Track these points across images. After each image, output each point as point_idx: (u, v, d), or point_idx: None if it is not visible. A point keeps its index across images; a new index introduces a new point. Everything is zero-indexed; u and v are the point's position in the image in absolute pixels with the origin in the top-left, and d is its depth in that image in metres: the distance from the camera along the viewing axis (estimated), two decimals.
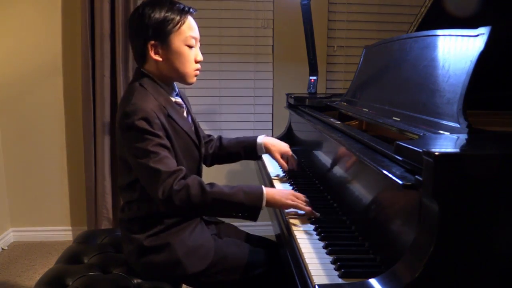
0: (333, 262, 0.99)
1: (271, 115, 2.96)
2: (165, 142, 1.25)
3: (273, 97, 2.93)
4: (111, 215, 2.70)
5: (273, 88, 2.93)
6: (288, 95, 2.36)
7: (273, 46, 2.88)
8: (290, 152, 1.68)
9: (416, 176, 0.81)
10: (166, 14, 1.26)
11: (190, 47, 1.31)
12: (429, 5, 1.66)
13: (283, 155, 1.67)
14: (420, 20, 1.69)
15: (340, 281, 0.92)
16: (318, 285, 0.87)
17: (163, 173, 1.19)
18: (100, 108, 2.60)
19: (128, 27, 1.34)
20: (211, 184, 1.25)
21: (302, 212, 1.28)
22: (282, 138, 2.30)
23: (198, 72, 1.37)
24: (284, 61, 2.89)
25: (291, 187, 1.60)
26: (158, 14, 1.26)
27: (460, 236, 0.77)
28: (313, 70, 2.37)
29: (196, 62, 1.34)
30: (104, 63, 2.56)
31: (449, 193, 0.75)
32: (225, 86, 2.88)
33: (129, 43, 2.52)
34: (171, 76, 1.35)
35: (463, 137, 0.94)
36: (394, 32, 2.65)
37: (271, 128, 2.97)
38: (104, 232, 1.68)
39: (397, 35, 1.55)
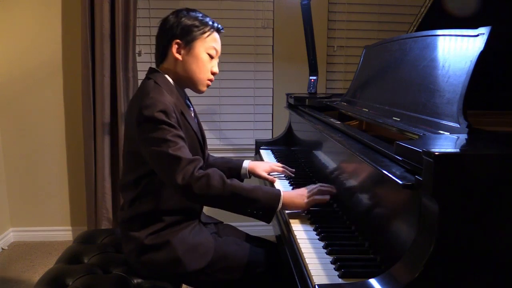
0: (333, 262, 0.99)
1: (271, 115, 2.96)
2: (182, 134, 1.27)
3: (273, 97, 2.93)
4: (111, 215, 2.70)
5: (273, 88, 2.93)
6: (288, 95, 2.37)
7: (273, 46, 2.88)
8: (274, 167, 1.68)
9: (416, 176, 0.81)
10: (197, 22, 1.36)
11: (210, 57, 1.39)
12: (429, 5, 1.66)
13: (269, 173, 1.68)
14: (420, 20, 1.69)
15: (340, 281, 0.92)
16: (318, 285, 0.87)
17: (183, 159, 1.20)
18: (100, 108, 2.60)
19: (159, 27, 1.40)
20: (232, 179, 1.26)
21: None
22: (282, 138, 2.31)
23: (210, 83, 1.43)
24: (284, 61, 2.89)
25: (291, 187, 1.60)
26: (191, 20, 1.36)
27: (460, 236, 0.77)
28: (313, 70, 2.37)
29: (212, 73, 1.41)
30: (104, 63, 2.56)
31: (449, 193, 0.75)
32: (225, 86, 2.88)
33: (129, 43, 2.57)
34: (185, 78, 1.39)
35: (463, 137, 0.94)
36: (394, 32, 2.66)
37: (271, 128, 2.97)
38: (104, 232, 1.68)
39: (397, 35, 1.55)
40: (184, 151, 1.23)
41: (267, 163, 1.72)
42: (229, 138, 2.94)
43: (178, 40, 1.34)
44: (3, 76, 2.73)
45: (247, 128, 2.96)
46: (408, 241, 0.85)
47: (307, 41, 2.31)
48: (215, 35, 1.40)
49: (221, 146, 2.94)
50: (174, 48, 1.35)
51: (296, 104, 2.20)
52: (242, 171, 1.66)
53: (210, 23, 1.38)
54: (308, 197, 1.30)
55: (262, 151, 2.21)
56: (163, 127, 1.23)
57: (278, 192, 1.27)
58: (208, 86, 1.43)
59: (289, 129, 2.31)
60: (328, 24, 2.88)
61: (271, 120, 2.97)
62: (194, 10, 1.39)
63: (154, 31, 2.86)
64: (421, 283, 0.75)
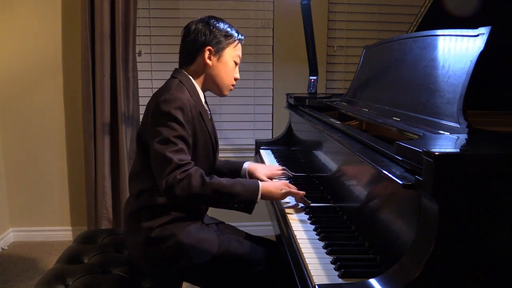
0: (333, 262, 0.99)
1: (271, 115, 2.96)
2: (188, 136, 1.31)
3: (273, 97, 2.93)
4: (111, 215, 2.70)
5: (273, 88, 2.93)
6: (288, 95, 2.37)
7: (273, 46, 2.88)
8: (274, 171, 1.68)
9: (416, 176, 0.81)
10: (228, 30, 1.46)
11: (235, 64, 1.50)
12: (429, 5, 1.66)
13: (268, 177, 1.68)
14: (420, 20, 1.69)
15: (340, 281, 0.92)
16: (318, 285, 0.87)
17: (173, 164, 1.23)
18: (100, 108, 2.60)
19: (187, 31, 1.45)
20: (211, 176, 1.29)
21: (296, 202, 1.40)
22: (282, 138, 2.31)
23: (232, 87, 1.53)
24: (284, 61, 2.89)
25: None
26: (222, 30, 1.45)
27: (460, 236, 0.77)
28: (313, 70, 2.37)
29: (235, 79, 1.52)
30: (104, 63, 2.56)
31: (449, 193, 0.75)
32: None
33: (129, 43, 2.57)
34: (211, 82, 1.48)
35: (463, 137, 0.94)
36: (394, 32, 2.65)
37: (271, 128, 2.97)
38: (104, 232, 1.68)
39: (397, 35, 1.55)
40: (180, 154, 1.26)
41: (268, 167, 1.72)
42: (229, 138, 2.94)
43: (210, 47, 1.42)
44: (3, 76, 2.73)
45: (247, 128, 2.96)
46: (408, 241, 0.85)
47: (307, 41, 2.30)
48: (240, 45, 1.51)
49: (221, 146, 2.91)
50: (206, 54, 1.42)
51: (296, 104, 2.20)
52: (242, 172, 1.68)
53: (236, 34, 1.48)
54: (285, 189, 1.37)
55: (262, 151, 2.21)
56: (173, 125, 1.28)
57: (256, 185, 1.33)
58: (230, 90, 1.53)
59: (289, 129, 2.31)
60: (328, 24, 2.88)
61: (271, 120, 2.97)
62: (221, 20, 1.48)
63: (154, 31, 2.88)
64: (421, 283, 0.75)
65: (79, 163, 2.79)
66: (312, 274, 0.94)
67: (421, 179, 0.79)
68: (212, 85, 1.49)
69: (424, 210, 0.80)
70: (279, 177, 1.71)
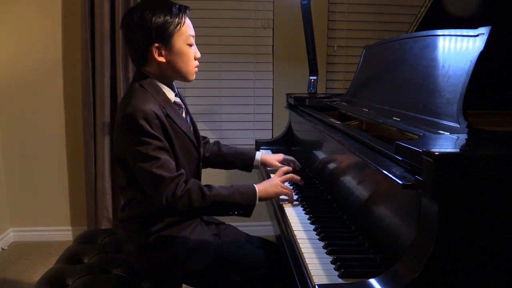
0: (333, 262, 0.99)
1: (271, 115, 2.96)
2: (165, 144, 1.26)
3: (273, 97, 2.93)
4: (111, 215, 2.70)
5: (273, 88, 2.92)
6: (288, 95, 2.36)
7: (273, 46, 2.88)
8: (288, 157, 1.73)
9: (416, 176, 0.81)
10: (167, 17, 1.28)
11: (190, 45, 1.34)
12: (429, 5, 1.66)
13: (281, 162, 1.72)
14: (420, 20, 1.69)
15: (340, 281, 0.92)
16: (318, 285, 0.87)
17: (166, 179, 1.21)
18: (100, 108, 2.60)
19: (125, 30, 1.33)
20: (209, 187, 1.27)
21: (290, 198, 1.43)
22: (282, 138, 2.31)
23: (197, 69, 1.40)
24: (284, 61, 2.89)
25: (291, 187, 1.60)
26: (159, 18, 1.27)
27: (460, 236, 0.77)
28: (313, 70, 2.37)
29: (195, 59, 1.38)
30: (104, 63, 2.56)
31: (449, 193, 0.75)
32: (225, 86, 2.88)
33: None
34: (173, 76, 1.37)
35: (463, 137, 0.94)
36: (394, 32, 2.65)
37: (271, 128, 2.97)
38: (104, 232, 1.68)
39: (397, 35, 1.55)
40: (168, 166, 1.23)
41: (279, 154, 1.75)
42: (229, 138, 2.94)
43: (156, 44, 1.29)
44: (3, 76, 2.73)
45: (247, 128, 2.95)
46: (408, 241, 0.85)
47: (307, 41, 2.30)
48: (187, 20, 1.34)
49: None
50: (155, 52, 1.29)
51: (296, 104, 2.20)
52: (255, 163, 1.69)
53: (178, 10, 1.31)
54: (281, 186, 1.39)
55: (262, 151, 2.21)
56: (145, 140, 1.22)
57: (253, 191, 1.32)
58: (195, 72, 1.40)
59: (289, 129, 2.30)
60: (328, 24, 2.88)
61: (271, 120, 2.97)
62: (157, 1, 1.30)
63: None
64: (421, 283, 0.75)
65: (79, 163, 2.79)
66: (312, 274, 0.94)
67: (421, 179, 0.79)
68: (174, 76, 1.37)
69: (424, 210, 0.80)
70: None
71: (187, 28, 1.33)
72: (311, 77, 2.38)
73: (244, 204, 1.29)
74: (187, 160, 1.37)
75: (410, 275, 0.76)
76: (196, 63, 1.38)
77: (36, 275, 2.39)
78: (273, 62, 2.90)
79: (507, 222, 0.78)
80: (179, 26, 1.30)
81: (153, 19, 1.27)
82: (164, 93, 1.35)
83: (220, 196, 1.26)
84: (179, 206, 1.22)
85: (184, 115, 1.43)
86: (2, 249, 2.77)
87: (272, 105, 2.94)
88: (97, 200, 2.68)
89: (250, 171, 1.75)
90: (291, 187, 1.59)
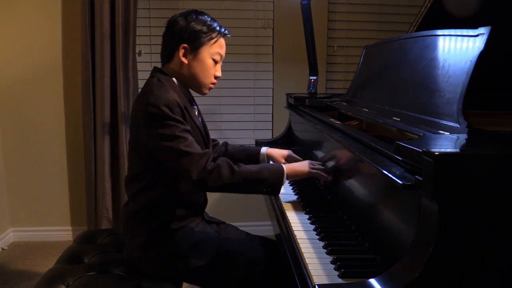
0: (333, 262, 0.99)
1: (271, 115, 2.96)
2: (189, 128, 1.32)
3: (273, 97, 2.93)
4: (111, 215, 2.70)
5: (273, 88, 2.92)
6: (288, 95, 2.37)
7: (273, 46, 2.88)
8: (293, 155, 1.73)
9: (416, 176, 0.81)
10: (205, 28, 1.38)
11: (215, 62, 1.42)
12: (429, 5, 1.66)
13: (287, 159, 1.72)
14: (420, 20, 1.69)
15: (340, 281, 0.92)
16: (318, 285, 0.87)
17: (195, 155, 1.26)
18: (100, 108, 2.60)
19: (166, 26, 1.41)
20: (238, 164, 1.33)
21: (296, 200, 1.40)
22: (282, 138, 2.31)
23: (213, 86, 1.48)
24: (284, 61, 2.89)
25: (290, 187, 1.60)
26: (199, 26, 1.37)
27: (460, 236, 0.77)
28: (313, 70, 2.37)
29: (215, 77, 1.45)
30: (104, 63, 2.56)
31: (449, 193, 0.75)
32: (225, 86, 2.88)
33: (129, 43, 2.57)
34: (189, 80, 1.43)
35: (463, 137, 0.94)
36: (394, 32, 2.65)
37: (271, 128, 2.97)
38: (104, 232, 1.68)
39: (397, 35, 1.55)
40: (195, 146, 1.29)
41: (286, 150, 1.77)
42: (229, 138, 2.94)
43: (185, 45, 1.37)
44: (3, 76, 2.73)
45: (247, 128, 2.95)
46: (408, 241, 0.85)
47: (307, 41, 2.30)
48: (221, 40, 1.42)
49: None
50: (181, 52, 1.37)
51: (296, 104, 2.20)
52: (261, 157, 1.72)
53: (217, 28, 1.40)
54: (311, 168, 1.42)
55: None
56: (171, 123, 1.27)
57: (281, 169, 1.37)
58: (210, 89, 1.48)
59: (289, 129, 2.31)
60: (328, 24, 2.88)
61: (271, 120, 2.97)
62: (202, 14, 1.42)
63: (154, 31, 2.88)
64: (421, 283, 0.75)
65: (79, 163, 2.79)
66: (312, 274, 0.94)
67: (421, 179, 0.79)
68: (190, 83, 1.44)
69: (424, 210, 0.80)
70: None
71: (219, 46, 1.41)
72: (311, 77, 2.38)
73: (272, 181, 1.33)
74: None
75: (410, 275, 0.76)
76: (214, 80, 1.46)
77: (36, 275, 2.39)
78: (273, 62, 2.90)
79: (507, 222, 0.78)
80: (212, 41, 1.39)
81: (193, 23, 1.37)
82: (179, 91, 1.41)
83: (249, 173, 1.31)
84: (210, 181, 1.26)
85: (196, 114, 1.49)
86: (2, 249, 2.77)
87: (272, 105, 2.94)
88: (97, 200, 2.68)
89: None
90: (290, 186, 1.60)
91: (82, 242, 1.61)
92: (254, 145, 2.32)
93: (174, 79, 1.41)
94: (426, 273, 0.75)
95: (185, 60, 1.38)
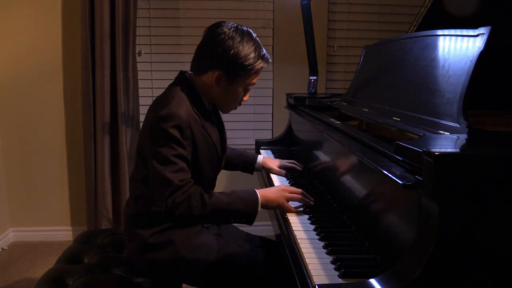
0: (333, 262, 0.99)
1: (271, 115, 2.96)
2: (188, 154, 1.28)
3: (273, 97, 2.93)
4: (111, 215, 2.70)
5: (273, 88, 2.92)
6: (288, 95, 2.36)
7: (273, 46, 2.88)
8: (285, 163, 1.76)
9: (416, 176, 0.81)
10: (249, 56, 1.29)
11: (246, 91, 1.39)
12: (429, 5, 1.66)
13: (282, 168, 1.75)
14: (420, 20, 1.69)
15: (340, 281, 0.92)
16: (318, 285, 0.87)
17: (174, 185, 1.22)
18: (100, 108, 2.60)
19: (208, 37, 1.32)
20: (210, 194, 1.26)
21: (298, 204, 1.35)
22: (282, 138, 2.31)
23: (236, 108, 1.45)
24: (284, 61, 2.88)
25: (288, 183, 1.60)
26: (244, 52, 1.28)
27: (460, 236, 0.77)
28: (313, 70, 2.37)
29: (240, 102, 1.42)
30: (104, 63, 2.56)
31: (449, 193, 0.75)
32: None
33: (129, 43, 2.57)
34: (214, 99, 1.40)
35: (463, 137, 0.94)
36: (394, 32, 2.65)
37: (271, 128, 2.97)
38: (104, 232, 1.68)
39: (397, 35, 1.55)
40: (181, 174, 1.24)
41: (280, 161, 1.79)
42: (229, 138, 2.91)
43: (222, 73, 1.30)
44: (3, 76, 2.73)
45: (247, 128, 2.95)
46: (408, 241, 0.85)
47: (307, 41, 2.30)
48: (261, 69, 1.36)
49: None
50: (215, 76, 1.31)
51: (296, 104, 2.20)
52: (256, 165, 1.73)
53: (262, 56, 1.32)
54: (287, 198, 1.32)
55: (262, 151, 2.21)
56: (171, 144, 1.23)
57: (255, 197, 1.29)
58: (233, 110, 1.45)
59: (289, 129, 2.31)
60: (328, 24, 2.88)
61: (271, 120, 2.97)
62: (250, 36, 1.32)
63: (154, 31, 2.87)
64: (421, 283, 0.75)
65: (79, 163, 2.79)
66: (312, 274, 0.94)
67: (421, 179, 0.79)
68: (215, 101, 1.42)
69: (424, 210, 0.80)
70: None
71: (255, 77, 1.36)
72: (311, 77, 2.38)
73: (245, 212, 1.27)
74: (209, 168, 1.40)
75: (410, 275, 0.76)
76: (239, 105, 1.43)
77: (36, 275, 2.39)
78: (273, 62, 2.89)
79: (507, 222, 0.78)
80: (251, 73, 1.33)
81: (239, 49, 1.28)
82: (202, 103, 1.37)
83: (220, 204, 1.25)
84: (178, 213, 1.21)
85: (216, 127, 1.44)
86: (2, 249, 2.77)
87: (272, 105, 2.94)
88: (97, 200, 2.68)
89: (252, 173, 1.80)
90: (288, 185, 1.60)
91: (82, 242, 1.61)
92: (254, 145, 2.32)
93: (199, 91, 1.36)
94: (426, 273, 0.75)
95: (217, 86, 1.33)
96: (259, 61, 1.33)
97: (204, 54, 1.34)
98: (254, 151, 2.33)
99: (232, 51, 1.28)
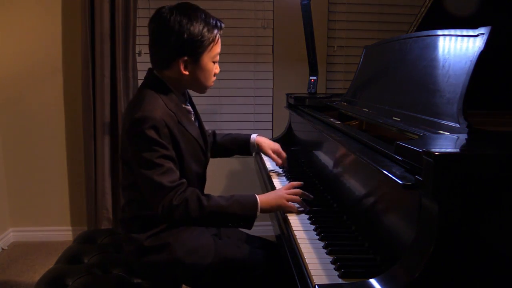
0: (333, 262, 0.99)
1: (271, 115, 2.96)
2: (171, 153, 1.26)
3: (273, 97, 2.93)
4: (111, 215, 2.70)
5: (273, 88, 2.93)
6: (288, 95, 2.36)
7: (273, 46, 2.88)
8: (280, 150, 1.75)
9: (416, 176, 0.81)
10: (203, 31, 1.26)
11: (215, 62, 1.35)
12: (429, 5, 1.66)
13: (275, 153, 1.74)
14: (420, 20, 1.69)
15: (340, 281, 0.92)
16: (318, 285, 0.87)
17: (165, 187, 1.21)
18: (100, 108, 2.60)
19: (156, 31, 1.29)
20: (208, 197, 1.25)
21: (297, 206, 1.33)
22: (282, 138, 2.31)
23: (213, 83, 1.40)
24: (284, 61, 2.89)
25: (286, 181, 1.60)
26: (197, 30, 1.25)
27: (460, 236, 0.76)
28: (313, 70, 2.37)
29: (214, 74, 1.38)
30: (104, 63, 2.56)
31: (449, 193, 0.75)
32: (225, 86, 2.88)
33: (129, 43, 2.57)
34: (189, 86, 1.39)
35: (463, 137, 0.94)
36: (394, 32, 2.65)
37: (271, 128, 2.97)
38: (104, 232, 1.68)
39: (397, 35, 1.55)
40: (170, 174, 1.22)
41: (272, 143, 1.77)
42: None
43: (185, 58, 1.28)
44: (3, 76, 2.73)
45: (247, 128, 2.95)
46: (408, 241, 0.85)
47: (307, 41, 2.30)
48: (218, 37, 1.32)
49: None
50: (181, 65, 1.28)
51: (296, 104, 2.20)
52: (251, 145, 1.73)
53: (213, 25, 1.29)
54: (287, 199, 1.31)
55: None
56: (152, 147, 1.21)
57: (254, 201, 1.27)
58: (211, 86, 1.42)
59: (289, 129, 2.30)
60: (328, 24, 2.88)
61: (271, 120, 2.97)
62: (195, 10, 1.28)
63: None
64: (421, 283, 0.75)
65: (79, 163, 2.79)
66: (312, 274, 0.94)
67: (421, 179, 0.79)
68: (190, 86, 1.39)
69: (424, 210, 0.80)
70: (278, 171, 1.73)
71: (217, 46, 1.32)
72: (311, 77, 2.38)
73: (243, 216, 1.26)
74: (195, 164, 1.38)
75: (410, 275, 0.76)
76: (214, 78, 1.38)
77: (36, 275, 2.39)
78: (273, 62, 2.90)
79: (507, 222, 0.78)
80: (212, 43, 1.29)
81: (190, 30, 1.24)
82: (176, 99, 1.34)
83: (218, 207, 1.24)
84: (176, 215, 1.21)
85: (193, 119, 1.43)
86: (2, 249, 2.77)
87: (272, 105, 2.94)
88: (97, 200, 2.68)
89: (251, 154, 1.80)
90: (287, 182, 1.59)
91: (82, 242, 1.60)
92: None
93: (170, 86, 1.33)
94: (426, 273, 0.75)
95: (186, 72, 1.30)
96: (214, 31, 1.29)
97: (160, 49, 1.30)
98: None
99: (185, 35, 1.24)
